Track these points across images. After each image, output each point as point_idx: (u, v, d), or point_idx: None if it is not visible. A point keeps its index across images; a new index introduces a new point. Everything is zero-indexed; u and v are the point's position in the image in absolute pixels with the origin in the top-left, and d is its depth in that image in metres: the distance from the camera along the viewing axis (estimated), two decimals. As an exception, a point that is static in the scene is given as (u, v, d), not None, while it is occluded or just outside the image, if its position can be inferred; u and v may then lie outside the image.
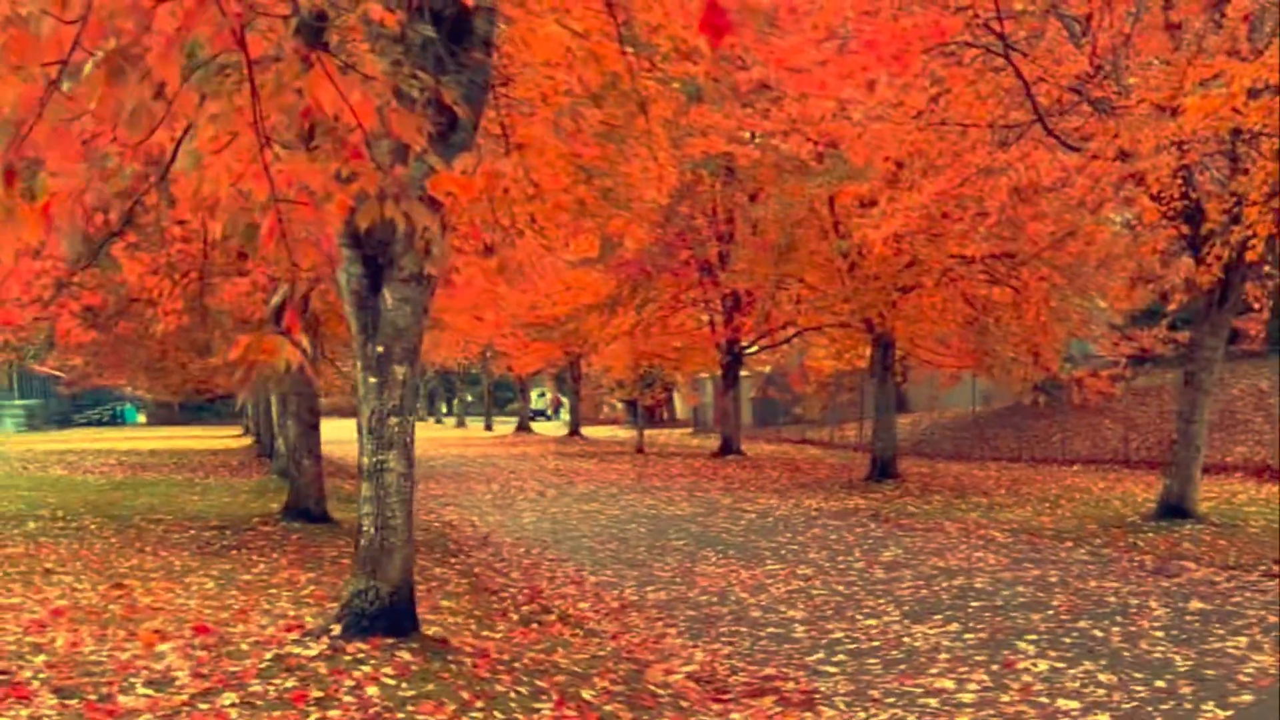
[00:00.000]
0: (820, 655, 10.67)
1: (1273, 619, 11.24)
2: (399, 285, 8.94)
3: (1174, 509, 18.45)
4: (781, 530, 19.80)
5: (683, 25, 12.48)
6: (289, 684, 7.79)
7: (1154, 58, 17.05)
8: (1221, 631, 10.78)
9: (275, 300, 4.34)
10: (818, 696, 9.27)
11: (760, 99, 24.03)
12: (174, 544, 16.12)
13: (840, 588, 14.12)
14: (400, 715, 7.36)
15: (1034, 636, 10.90)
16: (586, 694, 8.65)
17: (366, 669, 8.18)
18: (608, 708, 8.35)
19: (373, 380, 9.11)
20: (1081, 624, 11.35)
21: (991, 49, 17.46)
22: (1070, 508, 21.76)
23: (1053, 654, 10.16)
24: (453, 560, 16.50)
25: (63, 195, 4.07)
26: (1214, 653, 9.96)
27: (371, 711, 7.38)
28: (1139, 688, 8.92)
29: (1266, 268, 18.39)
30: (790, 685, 9.65)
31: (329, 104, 4.18)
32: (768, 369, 51.66)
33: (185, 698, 7.48)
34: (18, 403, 67.13)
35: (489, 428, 75.71)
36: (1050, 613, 11.97)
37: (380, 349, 9.04)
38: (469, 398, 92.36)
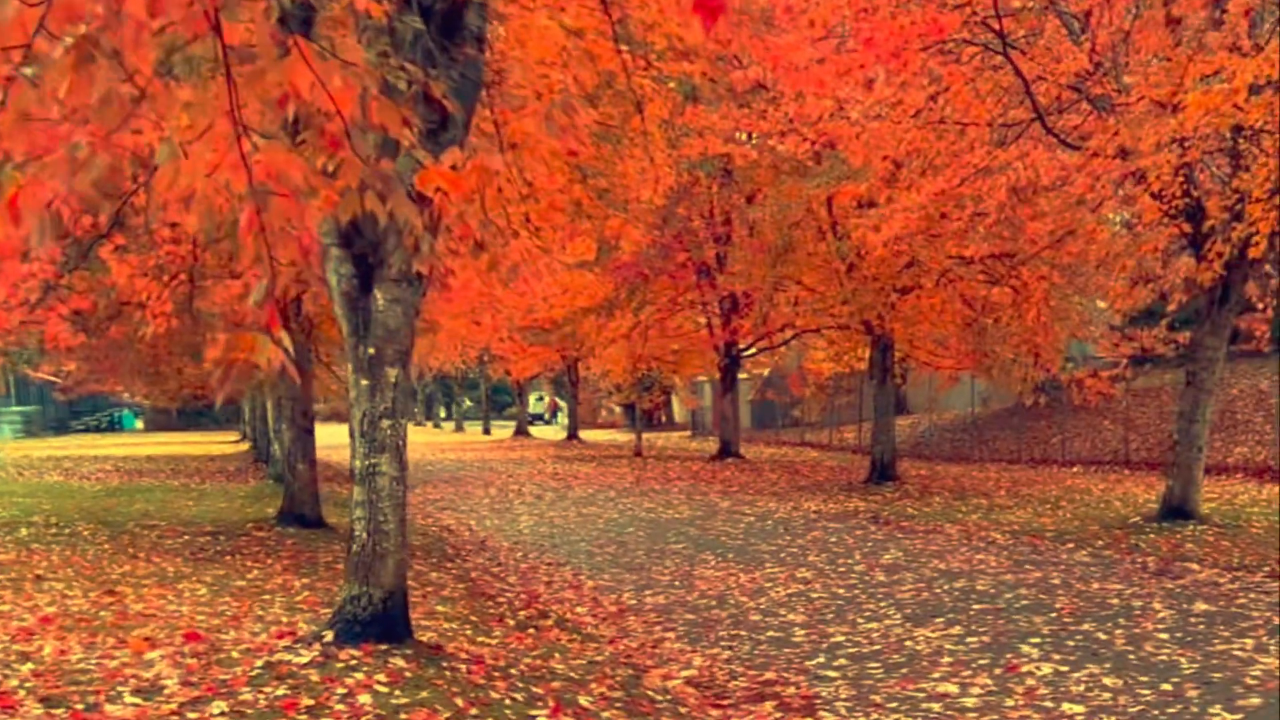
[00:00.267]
0: (821, 659, 10.53)
1: (1278, 621, 11.09)
2: (390, 285, 8.80)
3: (1176, 510, 18.30)
4: (781, 533, 19.65)
5: (678, 23, 12.36)
6: (280, 692, 7.64)
7: (1154, 54, 16.90)
8: (1227, 633, 10.63)
9: (255, 297, 4.20)
10: (819, 702, 9.12)
11: (757, 99, 23.93)
12: (167, 550, 15.96)
13: (840, 591, 13.97)
14: (394, 723, 7.22)
15: (1037, 639, 10.75)
16: (584, 700, 8.50)
17: (359, 676, 8.03)
18: (605, 714, 8.20)
19: (364, 383, 8.97)
20: (1085, 626, 11.19)
21: (990, 47, 17.37)
22: (1071, 509, 21.61)
23: (1056, 657, 10.01)
24: (449, 565, 16.35)
25: (31, 188, 3.91)
26: (1220, 655, 9.80)
27: (364, 719, 7.22)
28: (1145, 691, 8.77)
29: (1267, 267, 18.25)
30: (791, 690, 9.51)
31: (307, 91, 4.02)
32: (766, 371, 51.58)
33: (174, 706, 7.33)
34: (15, 409, 66.93)
35: (487, 432, 75.62)
36: (1053, 615, 11.82)
37: (372, 351, 8.90)
38: (467, 402, 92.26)
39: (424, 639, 9.62)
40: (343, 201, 4.40)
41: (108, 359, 24.08)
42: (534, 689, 8.55)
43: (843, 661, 10.40)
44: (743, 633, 11.83)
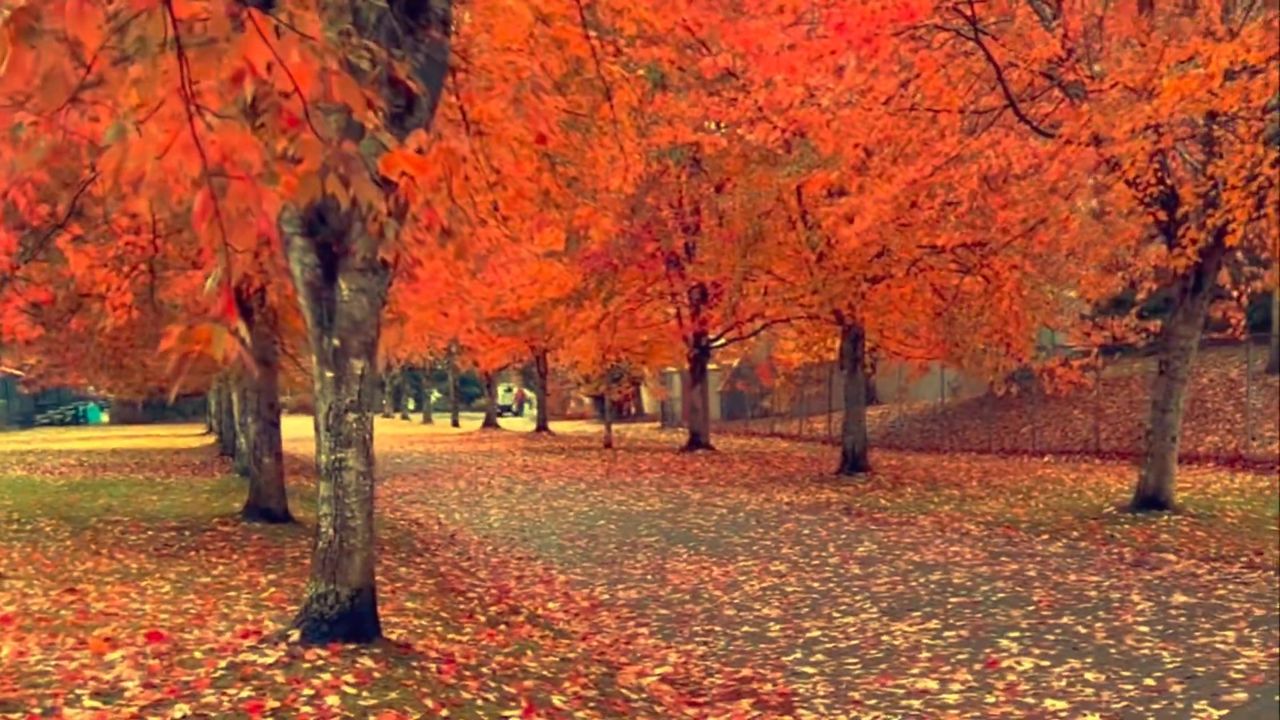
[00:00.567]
0: (797, 655, 10.34)
1: (1259, 612, 10.96)
2: (355, 275, 8.55)
3: (1150, 500, 18.22)
4: (753, 525, 19.49)
5: (647, 7, 12.16)
6: (244, 694, 7.39)
7: (1127, 40, 16.79)
8: (1208, 625, 10.48)
9: (209, 285, 3.99)
10: (796, 699, 8.94)
11: (726, 86, 23.71)
12: (131, 546, 15.66)
13: (815, 584, 13.79)
14: (361, 726, 6.99)
15: (1016, 633, 10.58)
16: (557, 700, 8.29)
17: (326, 677, 7.79)
18: (579, 714, 7.99)
19: (329, 375, 8.72)
20: (1064, 620, 11.04)
21: (961, 32, 17.23)
22: (1043, 499, 21.53)
23: (1036, 651, 9.85)
24: (418, 560, 16.12)
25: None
26: (1202, 648, 9.64)
27: (330, 722, 7.00)
28: (1128, 686, 8.61)
29: (1239, 254, 18.16)
30: (767, 687, 9.32)
31: (263, 68, 3.80)
32: (735, 362, 51.50)
33: (134, 710, 7.08)
34: (-23, 403, 66.41)
35: (456, 424, 75.43)
36: (1031, 608, 11.66)
37: (337, 342, 8.66)
38: (435, 394, 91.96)
39: (393, 637, 9.40)
40: (302, 184, 4.18)
41: (69, 352, 23.71)
42: (506, 688, 8.35)
43: (820, 657, 10.22)
44: (717, 628, 11.65)
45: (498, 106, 7.71)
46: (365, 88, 5.05)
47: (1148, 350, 30.18)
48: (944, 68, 17.39)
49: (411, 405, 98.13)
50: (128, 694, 7.40)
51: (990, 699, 8.53)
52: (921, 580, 13.64)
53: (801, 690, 9.17)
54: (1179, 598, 11.83)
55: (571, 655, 10.24)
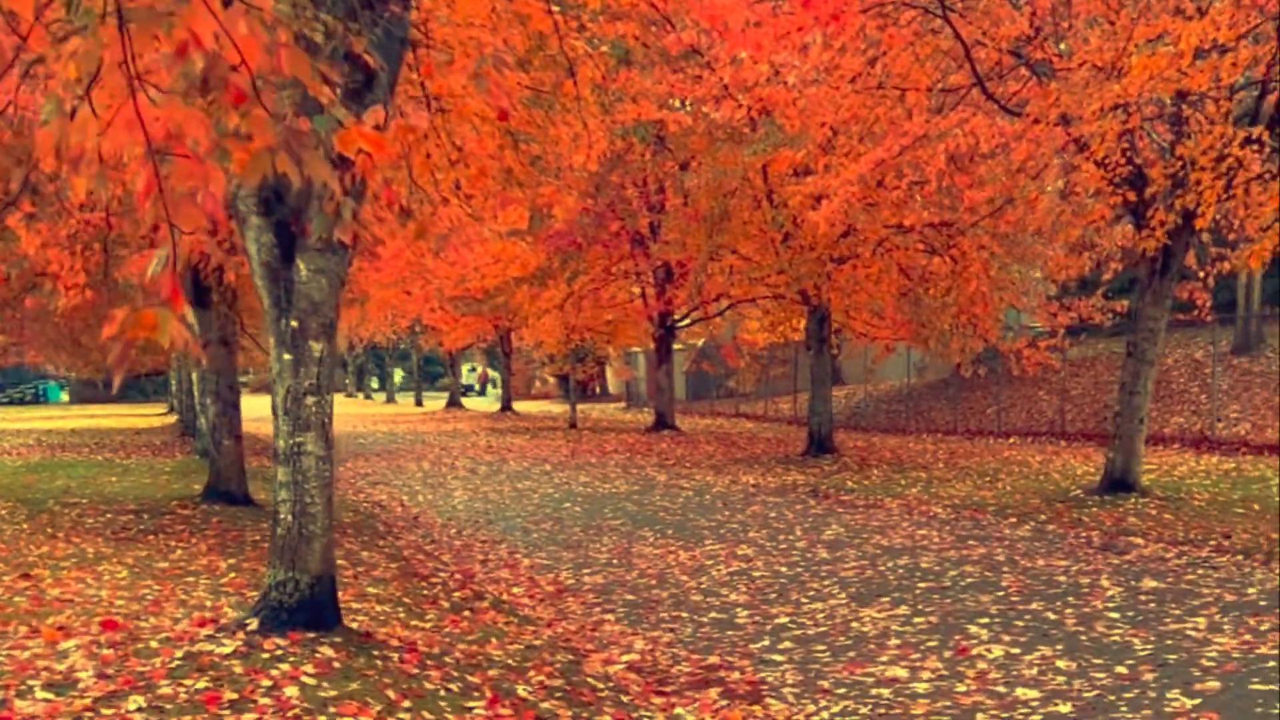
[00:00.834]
0: (765, 642, 10.20)
1: (1229, 598, 10.87)
2: (313, 255, 8.33)
3: (1118, 482, 18.16)
4: (720, 508, 19.34)
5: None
6: (200, 685, 7.20)
7: (1096, 18, 16.66)
8: (1178, 611, 10.38)
9: (153, 267, 3.82)
10: (765, 688, 8.80)
11: (691, 64, 23.52)
12: (88, 529, 15.40)
13: (783, 569, 13.65)
14: (322, 718, 6.79)
15: (986, 620, 10.47)
16: (522, 690, 8.13)
17: (285, 667, 7.60)
18: (545, 704, 7.82)
19: (287, 357, 8.51)
20: (1034, 605, 10.93)
21: (929, 9, 17.06)
22: (1010, 481, 21.48)
23: (1006, 638, 9.73)
24: (381, 543, 15.90)
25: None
26: (1173, 635, 9.53)
27: (290, 714, 6.81)
28: (1099, 674, 8.49)
29: (1205, 235, 18.10)
30: (735, 676, 9.18)
31: (209, 39, 3.59)
32: (701, 342, 51.36)
33: (88, 702, 6.88)
34: (-65, 383, 65.73)
35: (419, 403, 75.16)
36: (1000, 594, 11.55)
37: (295, 324, 8.44)
38: (400, 373, 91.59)
39: (354, 625, 9.21)
40: (252, 162, 3.97)
41: (25, 330, 23.35)
42: (470, 678, 8.18)
43: (788, 644, 10.08)
44: (684, 614, 11.49)
45: (458, 81, 7.50)
46: (321, 62, 4.84)
47: (1113, 331, 30.28)
48: (911, 45, 17.24)
49: (375, 385, 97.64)
50: (81, 685, 7.22)
51: (961, 688, 8.40)
52: (890, 565, 13.53)
53: (770, 679, 9.03)
54: (1148, 583, 11.73)
55: (537, 643, 10.07)
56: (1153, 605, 10.71)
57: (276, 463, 8.72)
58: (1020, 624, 10.23)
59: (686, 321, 41.18)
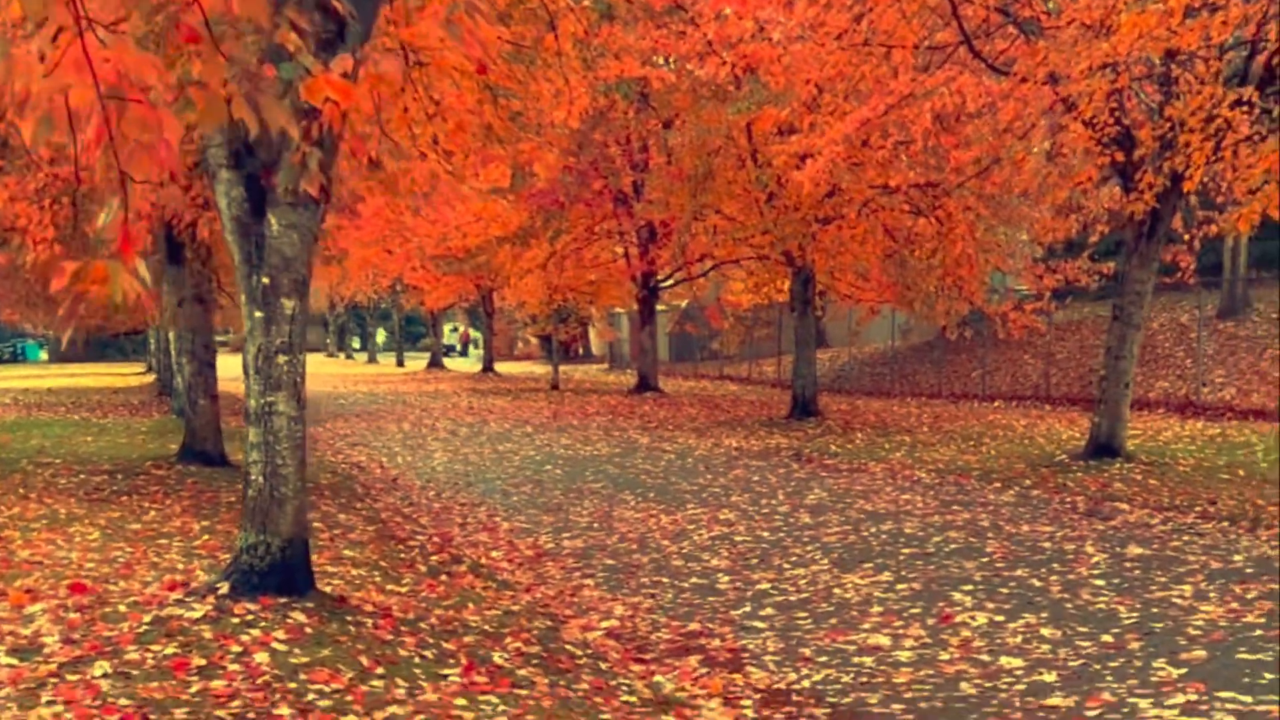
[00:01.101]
0: (746, 609, 10.05)
1: (1215, 565, 10.73)
2: (285, 210, 8.08)
3: (1103, 447, 18.03)
4: (702, 471, 19.18)
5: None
6: (169, 651, 7.02)
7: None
8: (1164, 579, 10.24)
9: (104, 219, 3.63)
10: (745, 655, 8.65)
11: (675, 19, 23.24)
12: (61, 490, 15.16)
13: (765, 534, 13.49)
14: (292, 685, 6.60)
15: (970, 586, 10.32)
16: (498, 657, 7.95)
17: (255, 633, 7.41)
18: (521, 672, 7.64)
19: (258, 315, 8.28)
20: (1018, 572, 10.79)
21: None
22: (994, 446, 21.35)
23: (990, 606, 9.59)
24: (359, 505, 15.71)
25: None
26: (1159, 603, 9.39)
27: (260, 681, 6.62)
28: (1084, 643, 8.35)
29: (1193, 198, 17.93)
30: (716, 643, 9.02)
31: (158, -27, 3.37)
32: (684, 303, 51.15)
33: (53, 667, 6.70)
34: (-88, 340, 65.30)
35: (401, 363, 74.87)
36: (985, 560, 11.41)
37: (266, 280, 8.20)
38: (381, 333, 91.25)
39: (328, 589, 9.01)
40: (206, 108, 3.74)
41: (-1, 287, 23.03)
42: (445, 644, 8.00)
43: (769, 611, 9.93)
44: (665, 579, 11.33)
45: (433, 30, 7.24)
46: (289, 9, 4.62)
47: (1099, 294, 30.13)
48: (898, 1, 16.99)
49: (356, 345, 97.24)
50: (46, 650, 7.04)
51: (944, 656, 8.26)
52: (873, 530, 13.37)
53: (751, 646, 8.88)
54: (1134, 549, 11.60)
55: (515, 608, 9.90)
56: (1138, 572, 10.58)
57: (247, 423, 8.52)
58: (1004, 591, 10.09)
59: (670, 282, 40.97)
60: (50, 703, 6.12)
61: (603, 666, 8.26)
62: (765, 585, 10.88)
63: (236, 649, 7.08)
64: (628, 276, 40.30)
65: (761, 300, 38.49)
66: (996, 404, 31.84)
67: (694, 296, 45.61)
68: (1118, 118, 16.76)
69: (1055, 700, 7.15)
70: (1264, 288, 33.93)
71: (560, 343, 50.70)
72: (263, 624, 7.59)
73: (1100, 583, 10.22)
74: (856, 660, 8.33)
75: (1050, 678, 7.60)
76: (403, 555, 12.08)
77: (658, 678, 8.10)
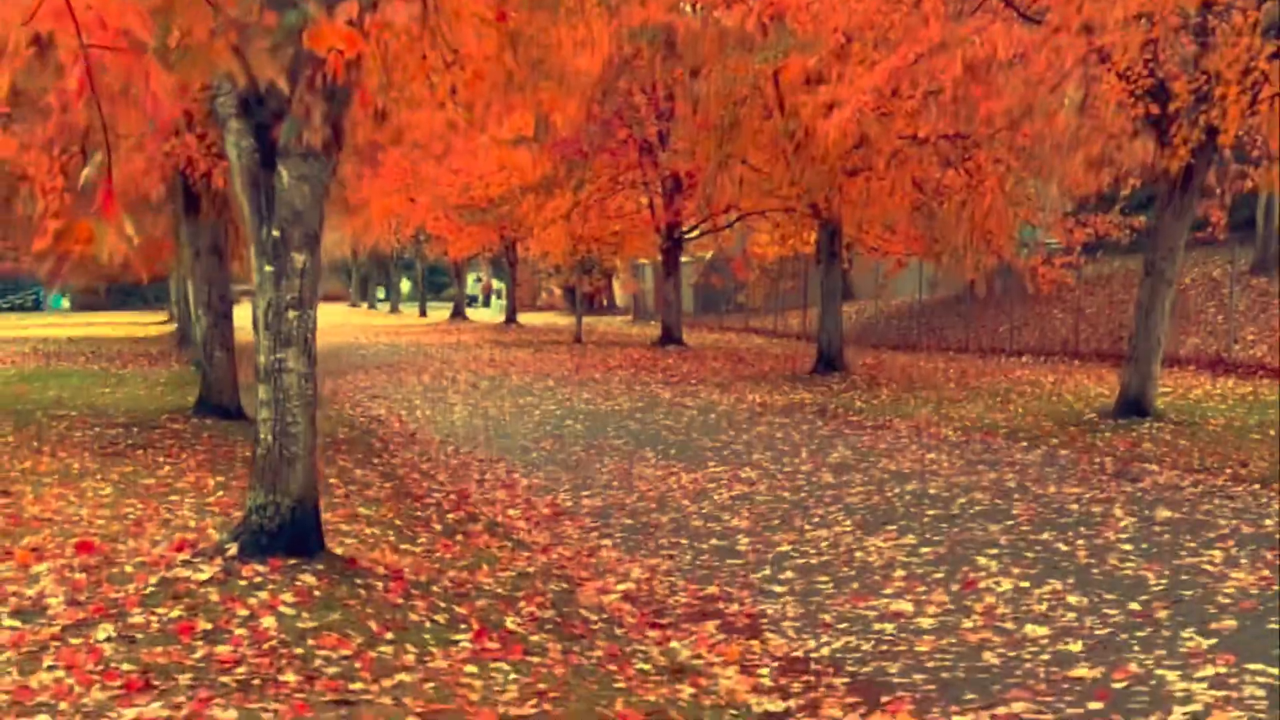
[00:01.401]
0: (766, 571, 9.86)
1: (1246, 530, 10.47)
2: (296, 161, 7.87)
3: (1132, 405, 17.74)
4: (724, 428, 18.96)
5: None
6: (174, 614, 6.89)
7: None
8: (1193, 544, 9.97)
9: (86, 173, 3.48)
10: (764, 621, 8.47)
11: (702, -34, 22.87)
12: (75, 443, 15.03)
13: (786, 493, 13.28)
14: (299, 651, 6.45)
15: (995, 550, 10.09)
16: (511, 622, 7.78)
17: (263, 595, 7.26)
18: (534, 638, 7.46)
19: (269, 269, 8.09)
20: (1044, 536, 10.54)
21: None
22: (1022, 403, 21.07)
23: (1016, 571, 9.35)
24: (376, 461, 15.58)
25: None
26: (1188, 569, 9.14)
27: (266, 646, 6.48)
28: (1111, 610, 8.12)
29: (1226, 152, 17.58)
30: (734, 607, 8.84)
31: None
32: (709, 255, 50.87)
33: (56, 630, 6.58)
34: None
35: (423, 314, 74.75)
36: (1010, 523, 11.16)
37: (276, 233, 8.02)
38: (405, 283, 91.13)
39: (340, 549, 8.85)
40: (188, 57, 3.52)
41: (10, 238, 22.85)
42: (457, 609, 7.83)
43: (789, 574, 9.74)
44: (684, 540, 11.15)
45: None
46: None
47: (1130, 248, 29.72)
48: (929, -52, 16.65)
49: (380, 294, 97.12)
50: (50, 612, 6.94)
51: (968, 623, 8.06)
52: (897, 490, 13.14)
53: (770, 611, 8.70)
54: (1163, 512, 11.33)
55: (530, 570, 9.74)
56: (1167, 537, 10.33)
57: (257, 380, 8.35)
58: (1030, 555, 9.86)
59: (695, 233, 40.66)
60: (51, 667, 6.00)
61: (618, 632, 8.10)
62: (786, 547, 10.70)
63: (243, 612, 6.95)
64: (652, 227, 40.00)
65: (787, 252, 38.20)
66: (1024, 359, 31.53)
67: (719, 248, 45.36)
68: (1152, 70, 16.40)
69: (1081, 671, 6.94)
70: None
71: (584, 294, 50.55)
72: (270, 586, 7.45)
73: (1128, 547, 9.98)
74: (878, 627, 8.14)
75: (1076, 647, 7.39)
76: (419, 513, 11.94)
77: (674, 644, 7.93)
